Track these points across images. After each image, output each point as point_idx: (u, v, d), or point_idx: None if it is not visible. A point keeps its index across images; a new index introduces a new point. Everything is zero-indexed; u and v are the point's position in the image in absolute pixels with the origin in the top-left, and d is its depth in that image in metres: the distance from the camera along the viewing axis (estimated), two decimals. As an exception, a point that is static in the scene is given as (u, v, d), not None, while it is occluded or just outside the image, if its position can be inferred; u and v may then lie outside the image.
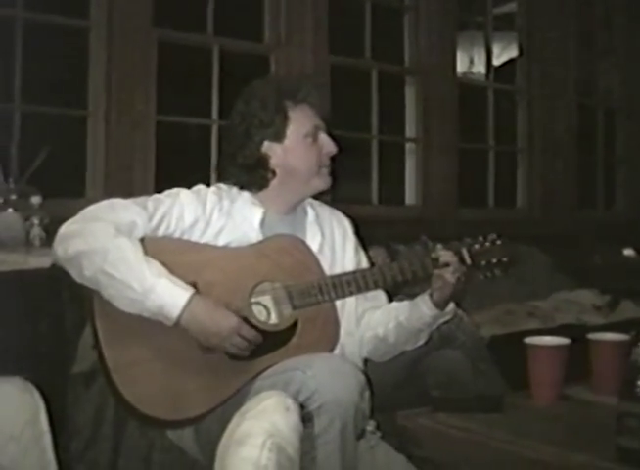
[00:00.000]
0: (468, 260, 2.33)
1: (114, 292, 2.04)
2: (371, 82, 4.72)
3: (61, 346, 2.69)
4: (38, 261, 2.87)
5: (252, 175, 2.33)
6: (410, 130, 4.89)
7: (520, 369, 2.54)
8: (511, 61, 5.52)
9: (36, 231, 3.12)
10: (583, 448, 2.05)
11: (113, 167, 3.64)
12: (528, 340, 2.55)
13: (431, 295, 2.32)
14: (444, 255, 2.31)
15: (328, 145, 2.37)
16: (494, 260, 2.38)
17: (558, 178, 5.43)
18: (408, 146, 4.90)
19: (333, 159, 2.41)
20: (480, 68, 5.41)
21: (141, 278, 2.01)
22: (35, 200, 3.15)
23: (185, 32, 4.04)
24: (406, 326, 2.35)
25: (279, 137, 2.32)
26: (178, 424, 2.17)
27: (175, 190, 2.29)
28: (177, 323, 2.03)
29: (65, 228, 2.13)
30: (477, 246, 2.37)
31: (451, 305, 2.37)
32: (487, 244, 2.38)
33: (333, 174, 2.42)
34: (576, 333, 2.64)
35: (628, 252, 5.02)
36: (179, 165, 4.11)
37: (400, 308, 2.40)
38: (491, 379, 2.76)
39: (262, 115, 2.31)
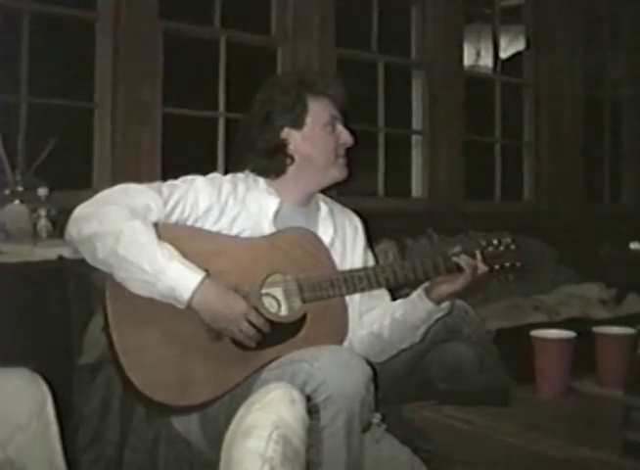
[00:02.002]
0: (480, 264, 2.35)
1: (126, 274, 2.05)
2: (377, 75, 4.71)
3: (67, 337, 2.71)
4: (45, 253, 2.88)
5: (271, 160, 2.36)
6: (417, 123, 4.89)
7: (525, 362, 2.53)
8: (518, 54, 5.50)
9: (43, 223, 3.12)
10: (589, 442, 2.05)
11: (119, 159, 3.64)
12: (534, 333, 2.55)
13: (427, 289, 2.33)
14: (460, 260, 2.33)
15: (345, 136, 2.41)
16: (507, 264, 2.40)
17: (564, 171, 5.42)
18: (415, 138, 4.90)
19: (347, 151, 2.43)
20: (487, 60, 5.39)
21: (153, 260, 2.02)
22: (42, 192, 3.16)
23: (192, 24, 4.03)
24: (401, 321, 2.36)
25: (298, 124, 2.35)
26: (184, 410, 2.18)
27: (191, 177, 2.31)
28: (188, 306, 2.05)
29: (79, 210, 2.15)
30: (490, 249, 2.39)
31: (447, 301, 2.38)
32: (501, 248, 2.40)
33: (348, 167, 2.44)
34: (582, 327, 2.64)
35: (635, 245, 5.01)
36: (186, 158, 4.11)
37: (396, 305, 2.42)
38: (497, 372, 2.76)
39: (283, 100, 2.35)
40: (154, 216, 2.15)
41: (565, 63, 5.42)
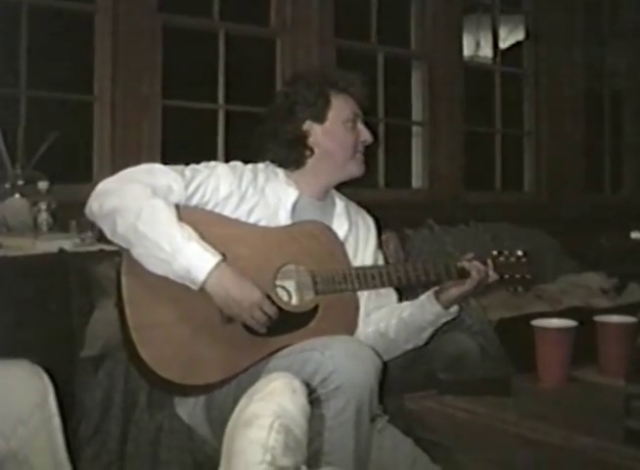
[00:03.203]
0: (491, 272, 2.38)
1: (144, 251, 2.06)
2: (377, 66, 4.70)
3: (69, 330, 2.71)
4: (46, 246, 2.89)
5: (291, 151, 2.39)
6: (416, 114, 4.88)
7: (527, 352, 2.54)
8: (518, 44, 5.49)
9: (43, 216, 3.13)
10: (590, 431, 2.06)
11: (119, 152, 3.64)
12: (536, 322, 2.55)
13: (436, 293, 2.35)
14: (472, 266, 2.34)
15: (365, 134, 2.45)
16: (517, 276, 2.43)
17: (565, 161, 5.42)
18: (415, 129, 4.89)
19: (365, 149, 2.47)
20: (486, 51, 5.38)
21: (171, 239, 2.03)
22: (42, 185, 3.16)
23: (190, 17, 4.03)
24: (408, 322, 2.38)
25: (320, 118, 2.39)
26: (190, 390, 2.19)
27: (213, 163, 2.34)
28: (202, 288, 2.06)
29: (102, 185, 2.17)
30: (502, 259, 2.42)
31: (455, 306, 2.40)
32: (512, 259, 2.43)
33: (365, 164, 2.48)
34: (583, 316, 2.65)
35: (636, 235, 5.01)
36: (186, 150, 4.11)
37: (404, 306, 2.44)
38: (498, 362, 2.77)
39: (307, 94, 2.39)
40: (175, 198, 2.17)
41: (565, 53, 5.41)
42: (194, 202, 2.22)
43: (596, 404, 2.33)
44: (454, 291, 2.34)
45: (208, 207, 2.25)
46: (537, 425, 2.14)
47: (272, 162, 2.41)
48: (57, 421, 1.75)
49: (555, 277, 4.42)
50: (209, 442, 2.24)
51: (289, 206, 2.34)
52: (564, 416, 2.22)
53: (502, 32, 5.39)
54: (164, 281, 2.07)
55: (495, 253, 2.42)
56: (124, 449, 2.44)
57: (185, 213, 2.14)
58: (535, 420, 2.18)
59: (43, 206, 3.14)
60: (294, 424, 1.22)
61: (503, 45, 5.42)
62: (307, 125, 2.38)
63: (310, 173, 2.40)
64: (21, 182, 3.19)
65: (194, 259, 2.03)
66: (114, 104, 3.65)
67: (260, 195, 2.32)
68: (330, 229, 2.38)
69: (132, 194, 2.10)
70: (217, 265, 2.05)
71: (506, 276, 2.41)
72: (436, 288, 2.37)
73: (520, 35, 5.50)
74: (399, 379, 2.53)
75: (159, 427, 2.37)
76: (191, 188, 2.21)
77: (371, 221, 2.58)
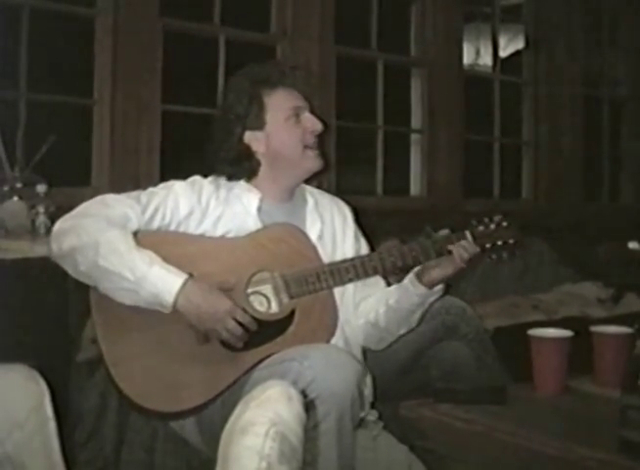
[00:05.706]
0: (471, 246, 2.30)
1: (110, 284, 2.05)
2: (377, 73, 4.71)
3: (65, 333, 2.70)
4: (43, 250, 2.86)
5: (239, 167, 2.35)
6: (416, 121, 4.88)
7: (523, 361, 2.54)
8: (517, 53, 5.50)
9: (42, 219, 3.12)
10: (586, 441, 2.06)
11: (118, 156, 3.64)
12: (532, 332, 2.56)
13: (417, 274, 2.30)
14: (450, 244, 2.28)
15: (311, 123, 2.37)
16: (500, 242, 2.35)
17: (563, 170, 5.43)
18: (413, 137, 4.89)
19: (321, 138, 2.41)
20: (486, 59, 5.39)
21: (133, 268, 2.02)
22: (41, 188, 3.16)
23: (191, 22, 4.03)
24: (396, 308, 2.34)
25: (258, 126, 2.33)
26: (177, 416, 2.18)
27: (170, 182, 2.31)
28: (174, 309, 2.04)
29: (58, 225, 2.16)
30: (481, 228, 2.35)
31: (440, 285, 2.35)
32: (492, 226, 2.36)
33: (326, 157, 2.43)
34: (580, 326, 2.64)
35: (633, 245, 5.01)
36: (184, 155, 4.11)
37: (390, 292, 2.39)
38: (494, 371, 2.76)
39: (237, 107, 2.34)
40: (133, 225, 2.16)
41: (564, 62, 5.41)
42: (155, 225, 2.21)
43: (591, 415, 2.33)
44: (435, 273, 2.28)
45: (172, 227, 2.23)
46: (533, 434, 2.14)
47: (227, 179, 2.37)
48: (52, 425, 1.75)
49: (552, 286, 4.43)
50: (203, 451, 2.23)
51: (253, 210, 2.30)
52: (559, 426, 2.22)
53: (502, 41, 5.41)
54: (134, 311, 2.07)
55: (474, 222, 2.35)
56: (119, 454, 2.44)
57: (146, 238, 2.14)
58: (531, 429, 2.18)
59: (41, 209, 3.13)
60: (289, 431, 1.21)
61: (503, 54, 5.43)
62: (247, 137, 2.33)
63: (267, 179, 2.35)
64: (19, 185, 3.19)
65: (159, 284, 2.02)
66: (114, 108, 3.65)
67: (224, 206, 2.29)
68: (297, 229, 2.32)
69: (87, 229, 2.08)
70: (184, 284, 2.04)
71: (488, 246, 2.33)
72: (417, 269, 2.31)
73: (519, 44, 5.51)
74: (395, 386, 2.53)
75: (153, 432, 2.36)
76: (148, 212, 2.19)
77: (347, 210, 2.53)
